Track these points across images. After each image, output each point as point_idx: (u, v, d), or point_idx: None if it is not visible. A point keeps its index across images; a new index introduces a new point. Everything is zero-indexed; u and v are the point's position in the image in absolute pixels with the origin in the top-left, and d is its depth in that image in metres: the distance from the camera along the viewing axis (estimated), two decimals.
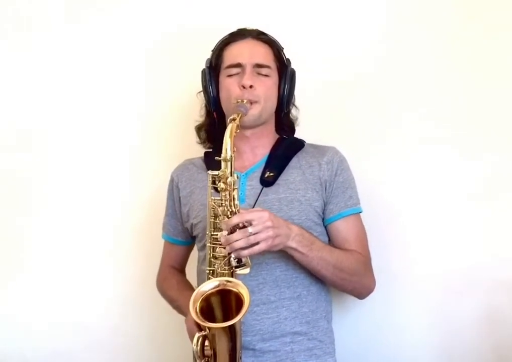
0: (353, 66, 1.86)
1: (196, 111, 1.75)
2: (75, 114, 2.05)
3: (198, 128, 1.75)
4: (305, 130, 1.74)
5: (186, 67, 1.83)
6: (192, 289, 1.63)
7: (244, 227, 1.36)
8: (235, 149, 1.42)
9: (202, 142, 1.75)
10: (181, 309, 1.62)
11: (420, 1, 1.82)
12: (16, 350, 2.04)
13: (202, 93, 1.69)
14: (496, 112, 1.75)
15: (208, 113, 1.72)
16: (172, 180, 1.74)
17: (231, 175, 1.41)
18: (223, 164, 1.41)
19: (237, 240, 1.34)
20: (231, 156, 1.41)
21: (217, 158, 1.42)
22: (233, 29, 1.63)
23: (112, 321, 2.03)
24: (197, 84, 1.68)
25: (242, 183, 1.59)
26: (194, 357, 1.39)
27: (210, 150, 1.72)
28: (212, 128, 1.71)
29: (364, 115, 1.84)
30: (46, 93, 2.06)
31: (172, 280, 1.75)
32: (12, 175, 2.07)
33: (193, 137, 1.76)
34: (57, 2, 2.04)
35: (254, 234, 1.34)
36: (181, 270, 1.82)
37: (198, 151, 1.75)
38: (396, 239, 1.75)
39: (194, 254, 1.76)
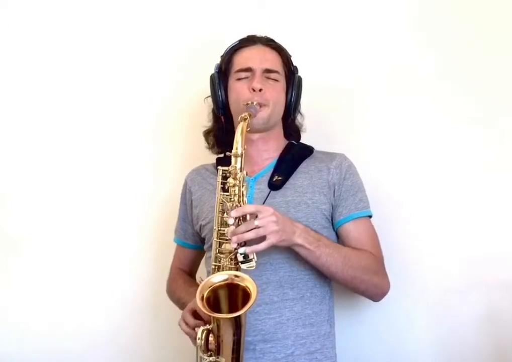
0: (359, 72, 1.90)
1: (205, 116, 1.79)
2: (91, 118, 2.09)
3: (207, 133, 1.78)
4: (311, 136, 1.78)
5: (199, 72, 1.84)
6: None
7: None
8: (245, 146, 1.45)
9: (211, 146, 1.77)
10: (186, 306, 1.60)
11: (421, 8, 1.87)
12: (16, 351, 2.02)
13: (209, 98, 1.72)
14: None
15: (216, 118, 1.75)
16: (185, 184, 1.77)
17: (241, 171, 1.43)
18: (233, 159, 1.43)
19: (244, 232, 1.35)
20: (242, 152, 1.43)
21: (228, 153, 1.44)
22: (242, 36, 1.68)
23: (114, 322, 2.02)
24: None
25: (251, 187, 1.61)
26: (197, 352, 1.38)
27: (222, 155, 1.74)
28: (220, 133, 1.73)
29: (369, 120, 1.88)
30: (64, 97, 2.10)
31: (179, 280, 1.76)
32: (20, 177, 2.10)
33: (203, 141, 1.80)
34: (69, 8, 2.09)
35: (260, 227, 1.35)
36: (190, 274, 1.83)
37: (210, 156, 1.78)
38: (395, 240, 1.76)
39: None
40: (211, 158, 1.76)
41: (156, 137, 2.06)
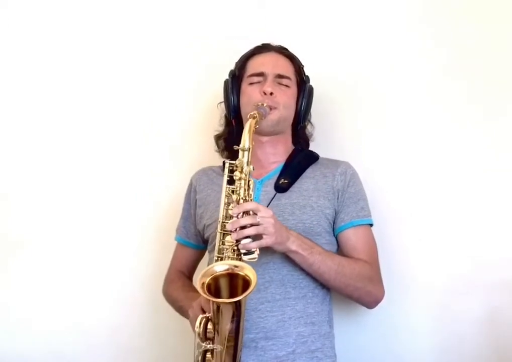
0: (360, 75, 1.91)
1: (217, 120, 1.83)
2: (97, 119, 2.11)
3: (218, 137, 1.82)
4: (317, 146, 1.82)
5: (211, 77, 1.91)
6: (197, 292, 1.64)
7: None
8: (253, 142, 1.47)
9: (221, 150, 1.81)
10: (184, 309, 1.61)
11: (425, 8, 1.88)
12: (16, 351, 2.01)
13: (222, 103, 1.77)
14: None
15: (227, 122, 1.79)
16: (191, 184, 1.79)
17: (247, 165, 1.45)
18: (240, 153, 1.46)
19: (244, 225, 1.37)
20: (249, 146, 1.46)
21: (236, 146, 1.47)
22: (254, 41, 1.74)
23: (114, 321, 2.02)
24: (219, 96, 1.78)
25: (257, 189, 1.63)
26: (195, 340, 1.37)
27: (229, 159, 1.77)
28: (231, 137, 1.77)
29: (373, 130, 1.89)
30: (68, 97, 2.13)
31: (178, 282, 1.76)
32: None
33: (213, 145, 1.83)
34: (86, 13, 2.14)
35: (260, 225, 1.37)
36: (189, 276, 1.82)
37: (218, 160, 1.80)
38: (395, 241, 1.77)
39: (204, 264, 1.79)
40: (219, 161, 1.78)
41: (164, 139, 2.07)
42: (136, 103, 2.08)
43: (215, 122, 1.83)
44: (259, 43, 1.73)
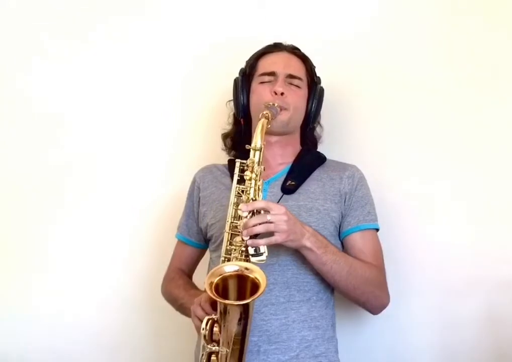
0: (363, 76, 1.90)
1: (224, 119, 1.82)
2: (102, 118, 2.10)
3: (225, 136, 1.80)
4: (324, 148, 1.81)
5: (218, 78, 1.90)
6: (199, 290, 1.61)
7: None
8: (264, 142, 1.45)
9: (228, 149, 1.79)
10: (185, 306, 1.58)
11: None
12: (16, 351, 2.01)
13: (231, 102, 1.75)
14: None
15: (236, 121, 1.77)
16: (194, 181, 1.76)
17: (258, 165, 1.43)
18: (251, 153, 1.44)
19: (254, 225, 1.34)
20: (261, 146, 1.44)
21: (247, 146, 1.45)
22: (254, 41, 1.73)
23: (113, 320, 2.00)
24: (227, 94, 1.76)
25: (264, 190, 1.60)
26: (200, 341, 1.34)
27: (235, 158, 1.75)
28: (238, 136, 1.75)
29: (381, 133, 1.88)
30: (81, 96, 2.12)
31: (178, 280, 1.73)
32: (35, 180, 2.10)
33: (218, 144, 1.82)
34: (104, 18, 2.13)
35: (271, 222, 1.35)
36: (188, 275, 1.79)
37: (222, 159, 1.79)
38: (396, 240, 1.76)
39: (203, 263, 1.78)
40: (219, 160, 1.78)
41: (162, 138, 2.06)
42: (136, 104, 2.08)
43: (215, 121, 1.84)
44: (260, 43, 1.72)
